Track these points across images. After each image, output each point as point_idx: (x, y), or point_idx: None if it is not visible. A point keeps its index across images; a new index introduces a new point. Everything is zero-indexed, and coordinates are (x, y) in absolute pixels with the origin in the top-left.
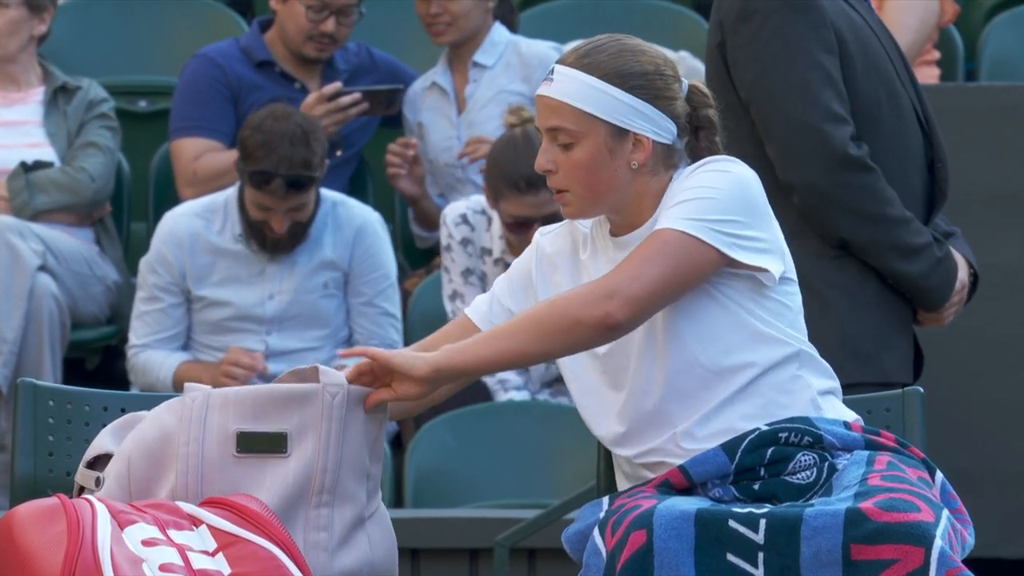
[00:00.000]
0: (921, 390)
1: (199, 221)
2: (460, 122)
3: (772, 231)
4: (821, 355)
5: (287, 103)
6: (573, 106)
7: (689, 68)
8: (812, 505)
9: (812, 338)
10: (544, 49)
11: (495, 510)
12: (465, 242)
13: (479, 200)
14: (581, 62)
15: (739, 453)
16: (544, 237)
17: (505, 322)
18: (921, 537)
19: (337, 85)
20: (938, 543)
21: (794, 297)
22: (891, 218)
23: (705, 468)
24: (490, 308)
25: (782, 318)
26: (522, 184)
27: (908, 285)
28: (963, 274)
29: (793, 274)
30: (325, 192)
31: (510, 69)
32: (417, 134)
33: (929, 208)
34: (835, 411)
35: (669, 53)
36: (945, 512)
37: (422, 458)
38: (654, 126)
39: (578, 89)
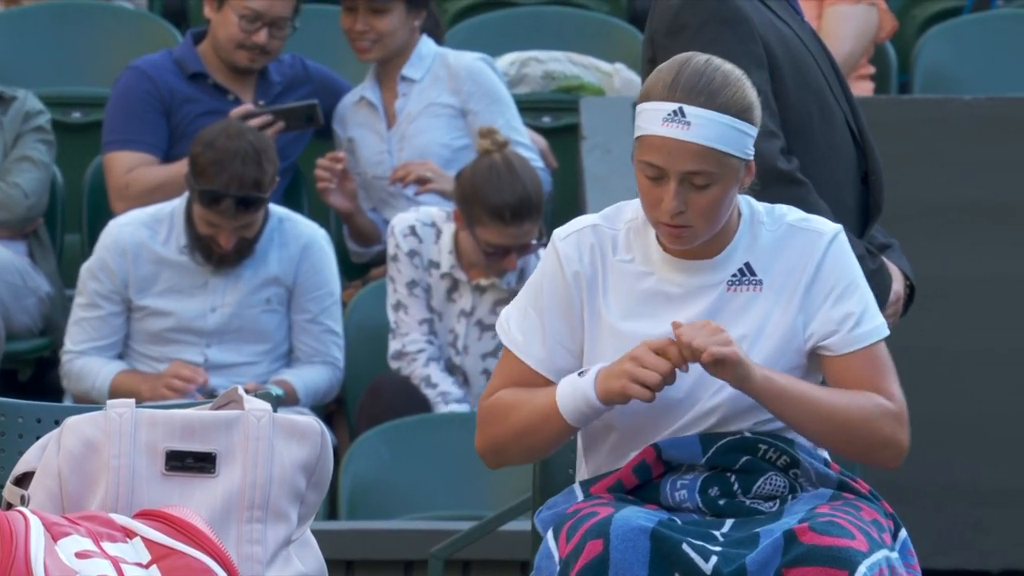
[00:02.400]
0: None
1: (144, 231)
2: (390, 136)
3: None
4: None
5: (225, 118)
6: (717, 149)
7: (624, 80)
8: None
9: None
10: (471, 60)
11: (430, 522)
12: (412, 254)
13: (428, 212)
14: (714, 102)
15: (714, 448)
16: (564, 242)
17: (823, 390)
18: (846, 562)
19: (247, 107)
20: (862, 571)
21: None
22: None
23: (678, 452)
24: (547, 348)
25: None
26: (507, 215)
27: None
28: (898, 286)
29: None
30: (272, 207)
31: (439, 82)
32: (347, 149)
33: (864, 221)
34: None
35: (604, 65)
36: (885, 552)
37: (357, 470)
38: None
39: (719, 132)
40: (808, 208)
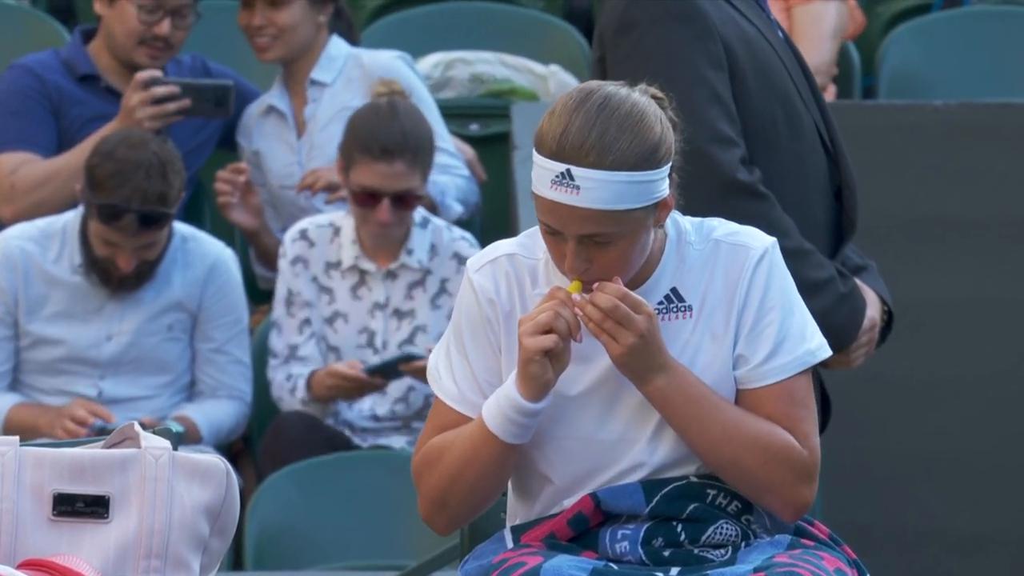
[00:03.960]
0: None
1: (33, 246)
2: (301, 146)
3: None
4: None
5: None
6: (612, 211)
7: (560, 83)
8: None
9: None
10: (388, 59)
11: (345, 572)
12: (297, 260)
13: (327, 216)
14: (604, 161)
15: (658, 497)
16: (478, 273)
17: (737, 411)
18: None
19: (152, 72)
20: None
21: None
22: (787, 250)
23: (619, 502)
24: (481, 393)
25: None
26: (376, 150)
27: None
28: (873, 312)
29: None
30: (175, 225)
31: (352, 84)
32: (253, 164)
33: (836, 239)
34: None
35: (538, 67)
36: None
37: (265, 515)
38: (667, 180)
39: (614, 192)
40: (770, 225)
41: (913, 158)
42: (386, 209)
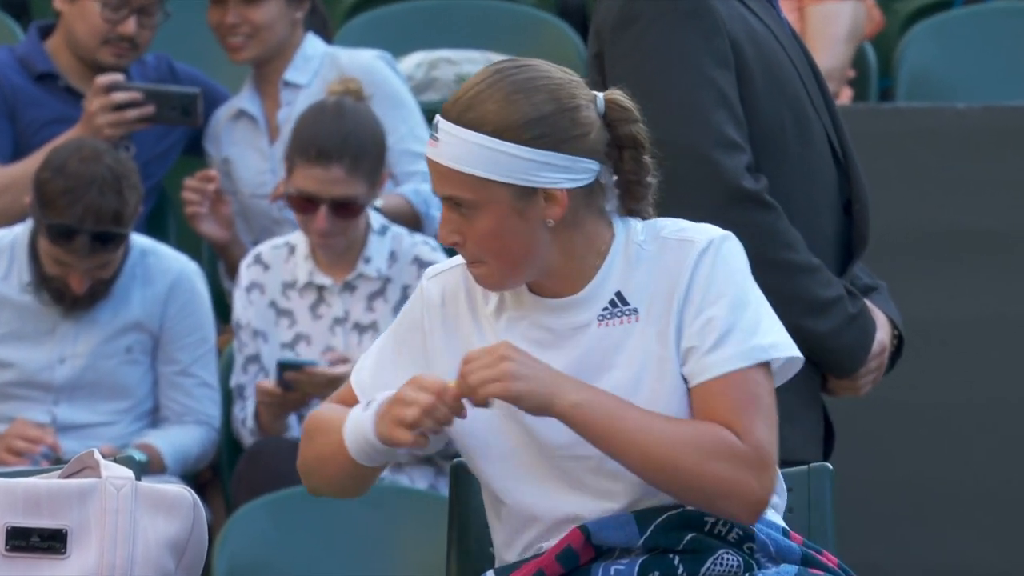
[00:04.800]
0: (830, 467)
1: None
2: (273, 153)
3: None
4: None
5: (76, 131)
6: (465, 172)
7: None
8: None
9: None
10: (369, 59)
11: None
12: (251, 287)
13: (286, 236)
14: (465, 116)
15: (652, 528)
16: (431, 281)
17: (665, 417)
18: None
19: (114, 77)
20: None
21: None
22: (794, 265)
23: (609, 535)
24: (374, 378)
25: None
26: (312, 152)
27: (815, 346)
28: (883, 335)
29: None
30: (133, 238)
31: (328, 85)
32: (223, 172)
33: (845, 256)
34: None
35: None
36: None
37: (235, 549)
38: (566, 173)
39: (467, 152)
40: (776, 237)
41: (933, 166)
42: (323, 217)
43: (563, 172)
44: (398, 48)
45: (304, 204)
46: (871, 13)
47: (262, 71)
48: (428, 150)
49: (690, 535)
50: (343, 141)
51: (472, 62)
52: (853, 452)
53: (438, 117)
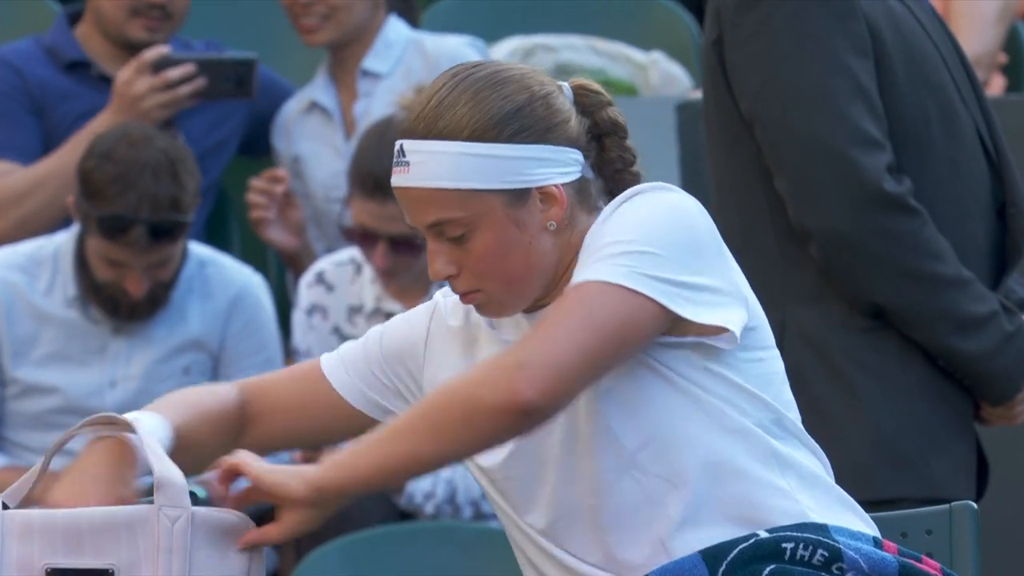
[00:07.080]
0: (975, 506)
1: (19, 276)
2: (349, 149)
3: (729, 276)
4: (846, 460)
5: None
6: (447, 189)
7: (663, 75)
8: None
9: (834, 437)
10: (456, 46)
11: None
12: (312, 310)
13: (349, 251)
14: (435, 128)
15: (725, 566)
16: (448, 299)
17: (399, 417)
18: None
19: (162, 50)
20: None
21: (767, 364)
22: (942, 277)
23: None
24: (345, 368)
25: (752, 399)
26: (369, 184)
27: (966, 368)
28: None
29: (766, 333)
30: (191, 247)
31: (413, 75)
32: (293, 171)
33: (999, 267)
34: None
35: (637, 55)
36: None
37: None
38: (557, 167)
39: (447, 165)
40: (920, 246)
41: None
42: (381, 254)
43: (553, 166)
44: (491, 34)
45: (362, 238)
46: None
47: (339, 58)
48: (396, 180)
49: (770, 567)
50: None
51: (573, 49)
52: (1002, 487)
53: (399, 143)
